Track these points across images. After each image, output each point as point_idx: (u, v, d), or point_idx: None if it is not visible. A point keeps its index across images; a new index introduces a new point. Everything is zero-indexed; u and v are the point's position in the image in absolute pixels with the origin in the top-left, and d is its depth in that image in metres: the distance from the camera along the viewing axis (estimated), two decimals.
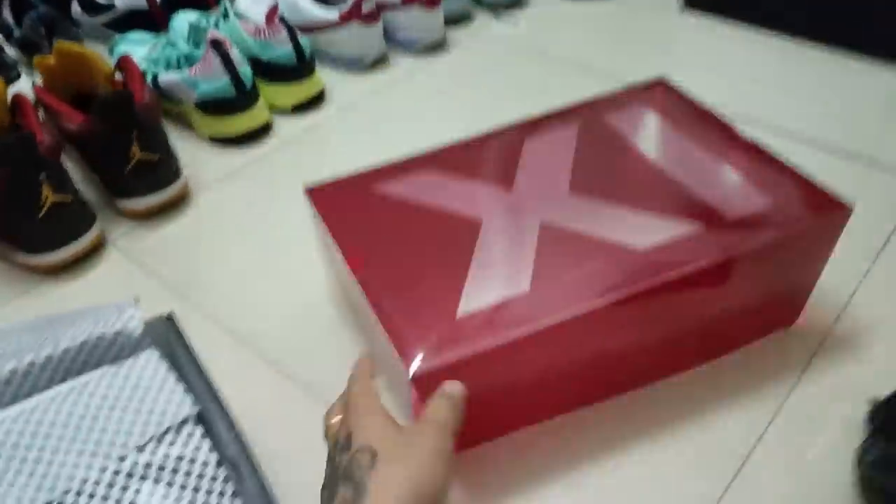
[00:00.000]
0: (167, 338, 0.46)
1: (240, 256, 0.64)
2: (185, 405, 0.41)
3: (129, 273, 0.62)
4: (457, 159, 0.55)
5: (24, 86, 0.87)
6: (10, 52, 0.92)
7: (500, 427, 0.48)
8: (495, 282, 0.44)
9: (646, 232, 0.46)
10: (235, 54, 0.73)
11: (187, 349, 0.45)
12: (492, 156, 0.55)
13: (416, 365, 0.40)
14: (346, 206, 0.51)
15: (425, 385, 0.40)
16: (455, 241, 0.47)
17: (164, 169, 0.66)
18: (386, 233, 0.49)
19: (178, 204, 0.69)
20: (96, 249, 0.64)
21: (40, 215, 0.58)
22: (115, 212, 0.68)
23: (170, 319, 0.47)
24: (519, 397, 0.46)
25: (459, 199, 0.51)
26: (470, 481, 0.45)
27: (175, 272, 0.62)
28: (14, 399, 0.42)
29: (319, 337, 0.55)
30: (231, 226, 0.67)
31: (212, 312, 0.58)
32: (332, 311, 0.57)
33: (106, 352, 0.43)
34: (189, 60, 0.74)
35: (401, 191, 0.52)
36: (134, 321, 0.44)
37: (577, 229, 0.47)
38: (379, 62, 0.88)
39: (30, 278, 0.62)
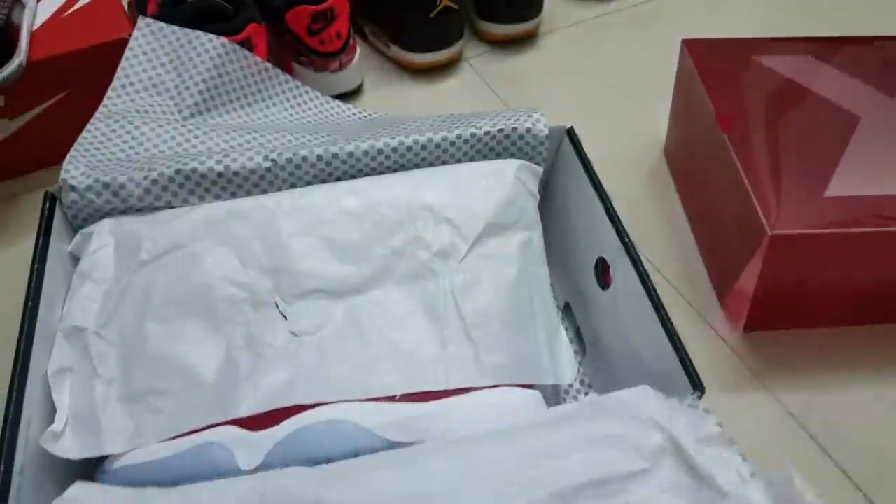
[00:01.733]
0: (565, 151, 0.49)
1: (580, 95, 0.68)
2: None
3: (477, 90, 0.69)
4: (836, 51, 0.54)
5: None
6: None
7: (810, 317, 0.50)
8: (867, 176, 0.45)
9: None
10: None
11: (586, 165, 0.47)
12: (876, 56, 0.54)
13: (776, 224, 0.43)
14: (719, 65, 0.53)
15: (780, 247, 0.43)
16: (827, 129, 0.48)
17: (534, 1, 0.71)
18: (757, 99, 0.50)
19: (530, 38, 0.74)
20: (454, 62, 0.71)
21: (432, 15, 0.65)
22: (469, 33, 0.75)
23: (570, 133, 0.49)
24: (839, 294, 0.47)
25: (837, 91, 0.51)
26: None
27: (518, 98, 0.68)
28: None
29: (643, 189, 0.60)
30: (576, 67, 0.72)
31: None
32: (662, 164, 0.61)
33: (515, 143, 0.48)
34: None
35: (777, 66, 0.53)
36: (541, 124, 0.48)
37: None
38: None
39: (393, 75, 0.71)
